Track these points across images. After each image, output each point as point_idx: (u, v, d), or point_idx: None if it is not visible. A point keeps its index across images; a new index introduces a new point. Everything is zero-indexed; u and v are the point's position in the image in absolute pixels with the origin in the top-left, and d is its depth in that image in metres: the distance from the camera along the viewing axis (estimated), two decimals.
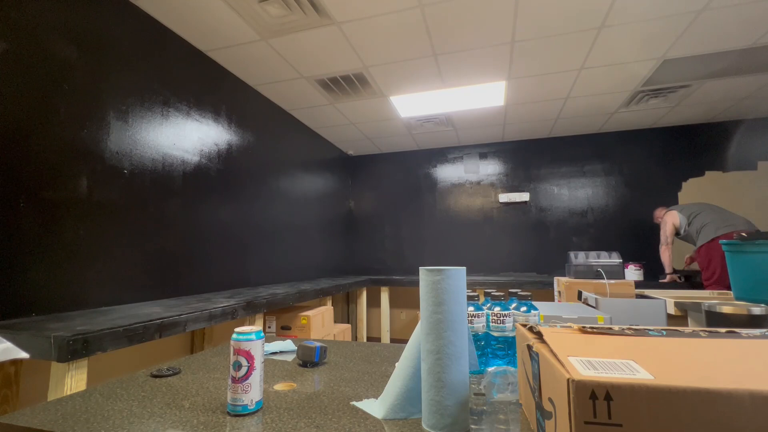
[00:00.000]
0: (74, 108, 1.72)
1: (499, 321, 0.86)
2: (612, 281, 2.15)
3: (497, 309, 0.87)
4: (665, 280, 3.32)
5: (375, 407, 0.68)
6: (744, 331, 0.59)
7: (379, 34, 2.38)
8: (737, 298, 1.67)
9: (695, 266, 3.55)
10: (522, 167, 4.51)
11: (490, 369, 0.77)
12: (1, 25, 1.47)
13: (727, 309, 1.06)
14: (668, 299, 2.00)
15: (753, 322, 1.00)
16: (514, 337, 0.85)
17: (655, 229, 3.96)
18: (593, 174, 4.26)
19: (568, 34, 2.38)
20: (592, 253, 2.92)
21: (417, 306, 4.73)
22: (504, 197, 4.48)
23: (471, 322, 0.89)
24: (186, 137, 2.35)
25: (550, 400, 0.47)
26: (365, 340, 4.35)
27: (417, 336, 0.67)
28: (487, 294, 0.94)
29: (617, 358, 0.47)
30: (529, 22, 2.27)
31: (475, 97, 3.28)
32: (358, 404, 0.69)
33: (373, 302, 4.86)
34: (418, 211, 4.80)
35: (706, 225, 2.99)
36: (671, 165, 4.03)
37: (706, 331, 0.60)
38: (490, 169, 4.62)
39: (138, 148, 2.03)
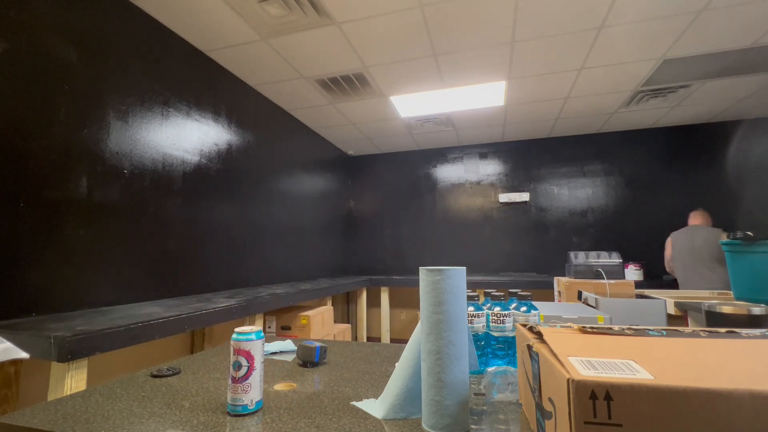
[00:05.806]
0: (74, 108, 1.72)
1: (499, 321, 0.86)
2: (612, 281, 2.15)
3: (497, 309, 0.87)
4: None
5: (375, 407, 0.68)
6: (744, 331, 0.59)
7: (379, 34, 2.38)
8: (737, 298, 1.67)
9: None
10: (522, 167, 4.50)
11: (490, 369, 0.77)
12: (1, 25, 1.47)
13: (727, 309, 1.06)
14: (668, 299, 2.00)
15: (753, 322, 1.00)
16: (514, 337, 0.85)
17: (655, 227, 3.96)
18: (593, 174, 4.26)
19: (568, 34, 2.38)
20: (592, 253, 2.92)
21: (417, 306, 4.73)
22: (504, 197, 4.47)
23: (471, 322, 0.88)
24: (186, 137, 2.35)
25: (550, 400, 0.47)
26: (365, 340, 4.35)
27: (417, 336, 0.67)
28: (487, 294, 0.94)
29: (617, 358, 0.47)
30: (529, 22, 2.27)
31: (475, 97, 3.27)
32: (358, 404, 0.69)
33: (373, 302, 4.86)
34: (418, 211, 4.80)
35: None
36: (671, 165, 4.03)
37: (706, 331, 0.60)
38: (490, 169, 4.61)
39: (138, 148, 2.03)
